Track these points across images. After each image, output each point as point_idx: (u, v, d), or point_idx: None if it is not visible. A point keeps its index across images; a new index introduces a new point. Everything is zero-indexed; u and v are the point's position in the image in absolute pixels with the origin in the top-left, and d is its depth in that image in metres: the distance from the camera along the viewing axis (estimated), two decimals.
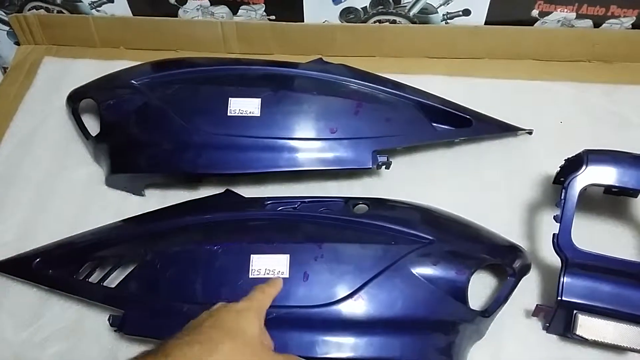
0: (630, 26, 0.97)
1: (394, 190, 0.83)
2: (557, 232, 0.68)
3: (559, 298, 0.67)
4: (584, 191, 0.69)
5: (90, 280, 0.73)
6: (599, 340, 0.66)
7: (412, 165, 0.87)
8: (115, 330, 0.69)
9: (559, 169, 0.80)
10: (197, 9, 1.01)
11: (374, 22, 1.00)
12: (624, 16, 0.96)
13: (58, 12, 1.04)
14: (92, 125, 0.90)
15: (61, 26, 1.04)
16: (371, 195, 0.80)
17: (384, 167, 0.82)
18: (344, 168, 0.81)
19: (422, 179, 0.85)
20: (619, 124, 0.91)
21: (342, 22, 1.00)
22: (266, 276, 0.67)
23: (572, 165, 0.71)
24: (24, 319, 0.74)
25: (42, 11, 1.04)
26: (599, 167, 0.70)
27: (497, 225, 0.77)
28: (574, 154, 0.74)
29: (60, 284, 0.74)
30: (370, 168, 0.80)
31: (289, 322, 0.65)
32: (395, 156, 0.86)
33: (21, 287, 0.76)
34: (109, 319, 0.69)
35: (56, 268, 0.74)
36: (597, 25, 0.97)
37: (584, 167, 0.69)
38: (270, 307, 0.62)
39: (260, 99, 0.82)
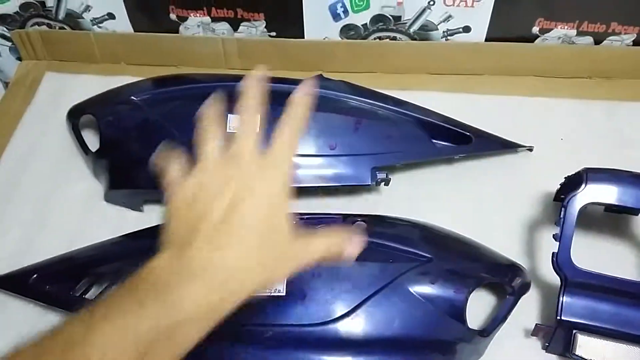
0: (631, 43, 0.97)
1: (392, 207, 0.83)
2: (556, 250, 0.67)
3: (558, 318, 0.66)
4: (584, 209, 0.68)
5: (87, 296, 0.72)
6: None
7: (411, 182, 0.87)
8: None
9: (559, 186, 0.80)
10: (198, 26, 1.01)
11: (374, 38, 1.00)
12: (625, 33, 0.96)
13: (60, 28, 1.04)
14: (93, 141, 0.90)
15: (63, 42, 1.05)
16: (370, 212, 0.80)
17: (383, 183, 0.81)
18: (343, 185, 0.81)
19: (421, 196, 0.85)
20: (619, 141, 0.90)
21: (342, 39, 1.00)
22: (262, 294, 0.66)
23: (572, 183, 0.71)
24: (23, 335, 0.73)
25: (44, 27, 1.04)
26: (598, 185, 0.69)
27: (496, 243, 0.77)
28: (574, 172, 0.74)
29: (57, 300, 0.73)
30: (369, 185, 0.80)
31: (286, 341, 0.64)
32: (394, 173, 0.85)
33: (19, 303, 0.76)
34: None
35: (53, 284, 0.74)
36: (597, 42, 0.97)
37: (583, 186, 0.69)
38: (267, 325, 0.62)
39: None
